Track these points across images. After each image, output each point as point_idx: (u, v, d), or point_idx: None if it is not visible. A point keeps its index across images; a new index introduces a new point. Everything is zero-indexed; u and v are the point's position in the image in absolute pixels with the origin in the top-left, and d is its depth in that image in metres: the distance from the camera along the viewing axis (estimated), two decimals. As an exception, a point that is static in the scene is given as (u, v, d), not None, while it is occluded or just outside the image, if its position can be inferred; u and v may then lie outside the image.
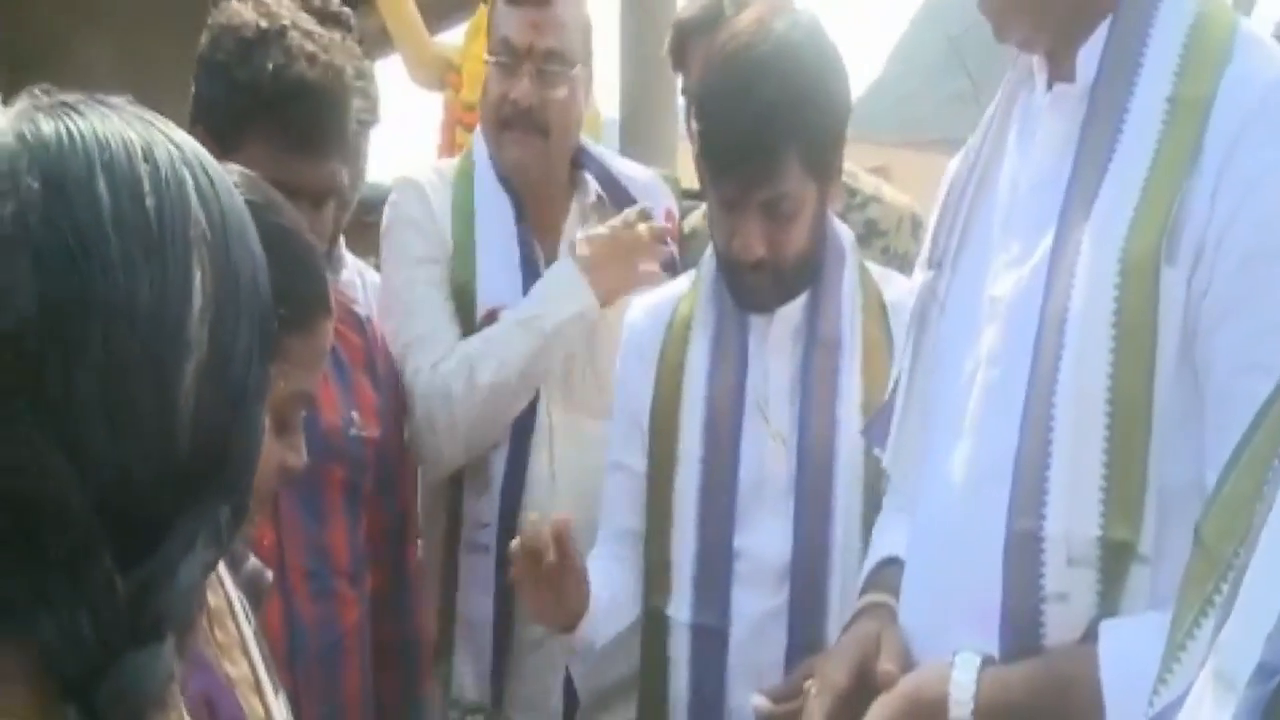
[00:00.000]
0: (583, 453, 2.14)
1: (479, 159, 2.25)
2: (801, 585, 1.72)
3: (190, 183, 0.71)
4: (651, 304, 1.92)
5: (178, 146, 0.73)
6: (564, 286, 2.10)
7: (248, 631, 1.24)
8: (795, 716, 1.37)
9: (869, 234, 2.19)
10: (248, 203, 1.20)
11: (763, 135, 1.67)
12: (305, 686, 1.67)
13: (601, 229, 2.13)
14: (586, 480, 2.11)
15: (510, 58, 2.15)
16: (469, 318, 2.16)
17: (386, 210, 2.25)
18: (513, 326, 2.09)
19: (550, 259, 2.20)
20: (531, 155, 2.17)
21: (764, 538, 1.74)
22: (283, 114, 1.67)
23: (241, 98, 1.67)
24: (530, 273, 2.18)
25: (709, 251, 1.87)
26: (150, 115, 0.74)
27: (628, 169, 2.37)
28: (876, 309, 1.81)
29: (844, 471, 1.73)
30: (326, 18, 2.18)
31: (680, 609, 1.77)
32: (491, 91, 2.19)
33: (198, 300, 0.68)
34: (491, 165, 2.22)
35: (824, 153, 1.73)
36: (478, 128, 2.31)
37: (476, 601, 2.16)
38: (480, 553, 2.16)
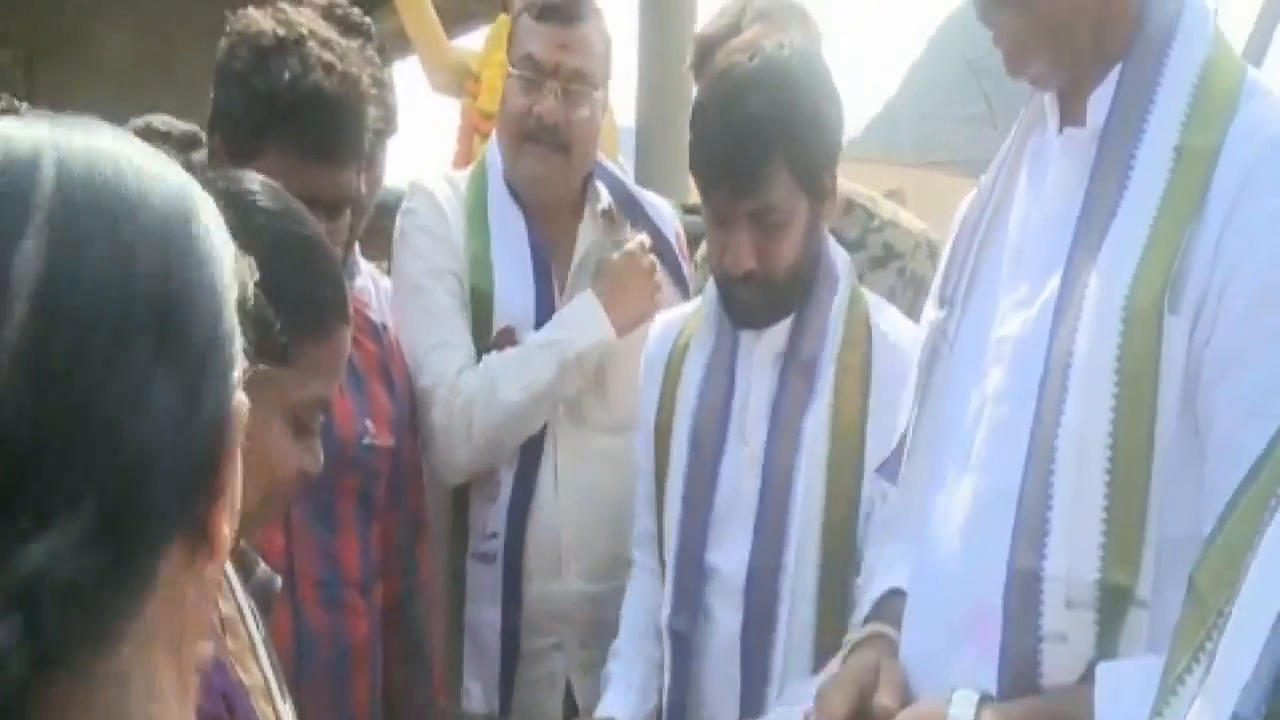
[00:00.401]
0: (586, 465, 2.19)
1: (492, 170, 2.26)
2: (753, 602, 1.77)
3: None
4: (667, 320, 2.01)
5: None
6: (586, 315, 2.13)
7: (259, 638, 1.26)
8: None
9: (886, 255, 2.22)
10: (267, 211, 1.25)
11: (747, 146, 1.72)
12: (313, 697, 1.67)
13: (616, 258, 2.16)
14: (589, 493, 2.18)
15: (535, 74, 2.16)
16: (484, 330, 2.17)
17: (400, 218, 2.26)
18: (537, 350, 2.12)
19: (564, 269, 2.22)
20: (551, 171, 2.19)
21: (734, 554, 1.80)
22: (299, 124, 1.67)
23: (258, 107, 1.68)
24: (544, 286, 2.20)
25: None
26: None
27: (638, 190, 2.40)
28: (861, 335, 1.84)
29: (802, 494, 1.77)
30: (348, 27, 2.18)
31: (666, 614, 1.85)
32: (513, 104, 2.19)
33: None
34: (504, 177, 2.24)
35: (813, 168, 1.77)
36: (492, 137, 2.32)
37: (483, 612, 2.18)
38: (487, 562, 2.18)
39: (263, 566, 1.28)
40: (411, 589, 1.98)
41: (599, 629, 2.11)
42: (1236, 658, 0.72)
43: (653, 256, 2.18)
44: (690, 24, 6.69)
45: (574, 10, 2.18)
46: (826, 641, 1.72)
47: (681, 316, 1.99)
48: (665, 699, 1.84)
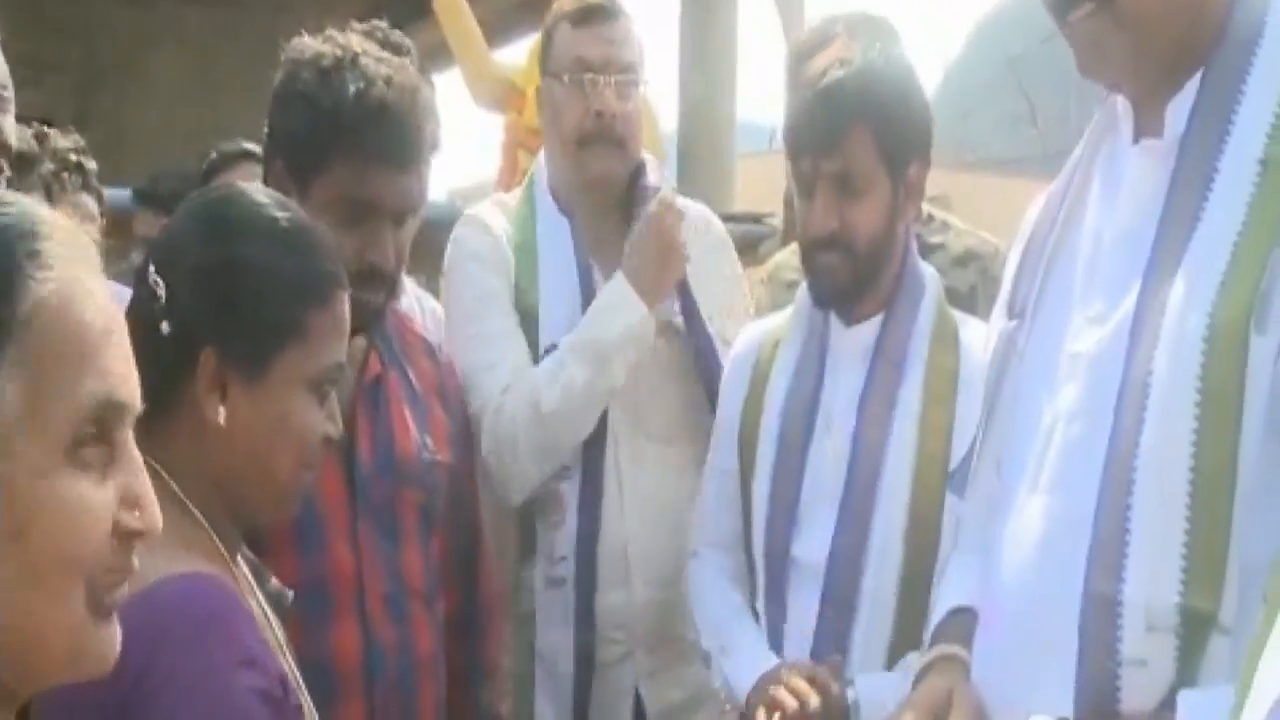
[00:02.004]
0: (648, 475, 2.22)
1: (539, 187, 2.29)
2: (833, 586, 1.82)
3: None
4: (754, 330, 2.09)
5: None
6: (614, 302, 2.15)
7: (281, 638, 1.33)
8: None
9: (968, 256, 2.36)
10: (258, 205, 1.38)
11: (829, 107, 1.81)
12: (383, 711, 1.69)
13: (638, 228, 2.18)
14: (650, 501, 2.21)
15: (588, 73, 2.21)
16: (533, 348, 2.19)
17: (450, 247, 2.30)
18: (568, 354, 2.13)
19: (609, 268, 2.22)
20: (615, 167, 2.24)
21: (816, 544, 1.84)
22: (365, 134, 1.71)
23: (324, 123, 1.71)
24: (590, 300, 2.21)
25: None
26: None
27: (694, 208, 2.41)
28: (950, 341, 1.90)
29: (889, 484, 1.82)
30: (389, 46, 2.23)
31: (760, 603, 1.91)
32: (571, 109, 2.22)
33: None
34: (550, 193, 2.27)
35: (896, 145, 1.84)
36: (539, 155, 2.34)
37: (556, 636, 2.19)
38: (558, 586, 2.20)
39: (274, 581, 1.36)
40: (471, 601, 2.00)
41: (665, 635, 2.15)
42: (1267, 677, 0.71)
43: (677, 208, 2.19)
44: (732, 35, 6.70)
45: (612, 8, 2.25)
46: (904, 632, 1.76)
47: (771, 324, 2.06)
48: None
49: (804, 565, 1.86)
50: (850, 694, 1.73)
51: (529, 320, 2.21)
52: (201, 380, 1.31)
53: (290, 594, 1.37)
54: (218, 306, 1.32)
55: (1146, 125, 1.26)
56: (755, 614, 1.94)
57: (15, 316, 0.80)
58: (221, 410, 1.30)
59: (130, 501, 0.85)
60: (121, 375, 0.85)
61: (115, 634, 0.87)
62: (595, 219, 2.26)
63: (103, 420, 0.83)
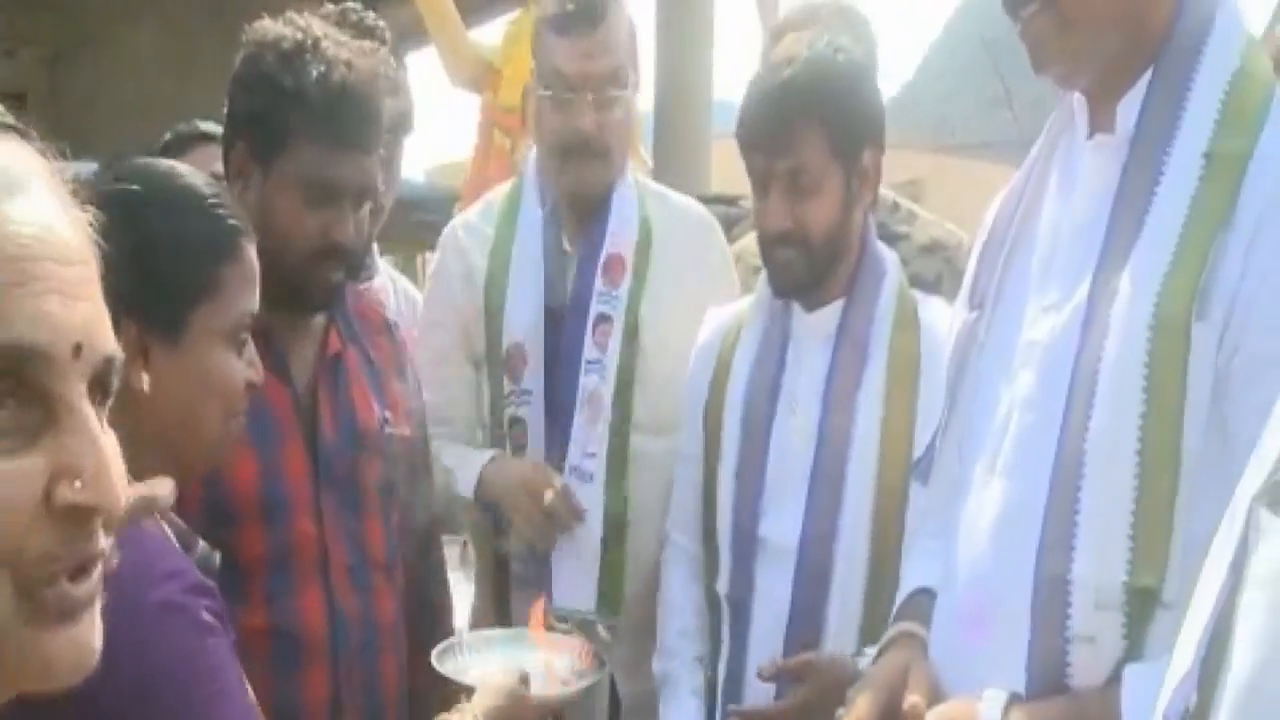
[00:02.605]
0: (636, 465, 2.24)
1: (526, 182, 2.32)
2: (805, 566, 1.85)
3: None
4: (720, 314, 2.11)
5: None
6: (472, 467, 2.24)
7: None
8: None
9: (934, 246, 2.39)
10: (158, 174, 1.42)
11: (782, 106, 1.85)
12: (347, 678, 1.73)
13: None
14: (640, 491, 2.23)
15: (567, 91, 2.17)
16: (496, 344, 2.25)
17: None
18: (439, 467, 2.20)
19: (589, 267, 2.25)
20: (594, 179, 2.24)
21: (785, 523, 1.88)
22: (327, 117, 1.74)
23: (286, 105, 1.74)
24: (554, 298, 2.25)
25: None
26: None
27: (675, 197, 2.45)
28: (911, 322, 1.93)
29: (857, 463, 1.86)
30: (361, 30, 2.25)
31: (723, 584, 1.95)
32: (549, 123, 2.22)
33: None
34: (537, 191, 2.29)
35: (847, 138, 1.87)
36: (531, 153, 2.36)
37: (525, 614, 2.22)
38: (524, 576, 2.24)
39: (203, 544, 1.36)
40: (427, 571, 2.05)
41: (646, 628, 2.16)
42: (1180, 654, 0.75)
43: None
44: (709, 14, 6.69)
45: (592, 15, 2.16)
46: (875, 610, 1.79)
47: (734, 310, 2.09)
48: (724, 667, 1.93)
49: (772, 546, 1.89)
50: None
51: (494, 316, 2.25)
52: (124, 349, 1.31)
53: (217, 556, 1.38)
54: (131, 279, 1.32)
55: (1100, 121, 1.30)
56: (718, 603, 1.97)
57: None
58: (145, 377, 1.32)
59: (68, 470, 0.68)
60: (44, 314, 0.68)
61: (78, 634, 0.70)
62: (574, 214, 2.28)
63: (12, 373, 0.66)
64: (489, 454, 2.24)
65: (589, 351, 2.21)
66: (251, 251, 1.45)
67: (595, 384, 2.20)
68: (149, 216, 1.38)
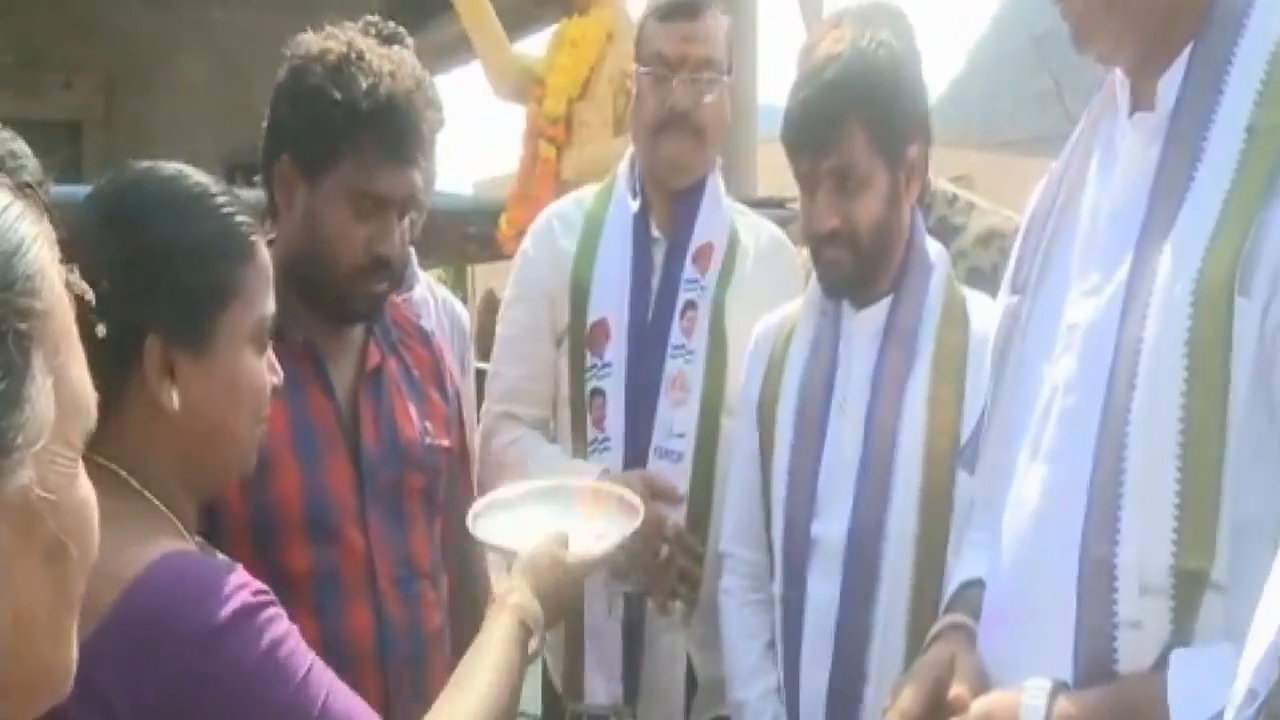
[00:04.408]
0: (722, 447, 2.27)
1: (624, 168, 2.40)
2: (854, 563, 1.85)
3: None
4: (770, 318, 2.14)
5: None
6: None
7: None
8: None
9: (990, 235, 2.39)
10: (164, 178, 1.38)
11: (825, 106, 1.87)
12: (396, 690, 1.74)
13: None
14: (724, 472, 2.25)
15: (664, 69, 2.31)
16: (580, 319, 2.30)
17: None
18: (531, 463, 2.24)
19: (679, 254, 2.32)
20: (686, 154, 2.32)
21: (834, 522, 1.88)
22: (376, 128, 1.75)
23: (337, 117, 1.74)
24: (641, 277, 2.31)
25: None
26: None
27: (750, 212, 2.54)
28: (958, 317, 1.93)
29: (904, 459, 1.86)
30: (385, 39, 2.28)
31: (777, 585, 1.96)
32: (646, 101, 2.34)
33: None
34: (629, 183, 2.36)
35: (890, 135, 1.88)
36: (628, 150, 2.43)
37: (603, 606, 2.24)
38: None
39: (221, 557, 1.36)
40: (468, 579, 2.05)
41: (714, 599, 2.17)
42: (1258, 633, 0.74)
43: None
44: (751, 16, 6.68)
45: (694, 6, 2.34)
46: (922, 606, 1.80)
47: (785, 312, 2.11)
48: (781, 667, 1.94)
49: (823, 544, 1.89)
50: None
51: (580, 292, 2.31)
52: (150, 369, 1.30)
53: (239, 567, 1.37)
54: (150, 292, 1.31)
55: (1142, 99, 1.28)
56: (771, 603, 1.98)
57: (37, 311, 0.69)
58: (174, 394, 1.30)
59: None
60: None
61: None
62: (665, 203, 2.36)
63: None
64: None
65: (675, 337, 2.26)
66: (265, 250, 1.42)
67: (680, 367, 2.26)
68: (162, 224, 1.35)
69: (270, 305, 1.41)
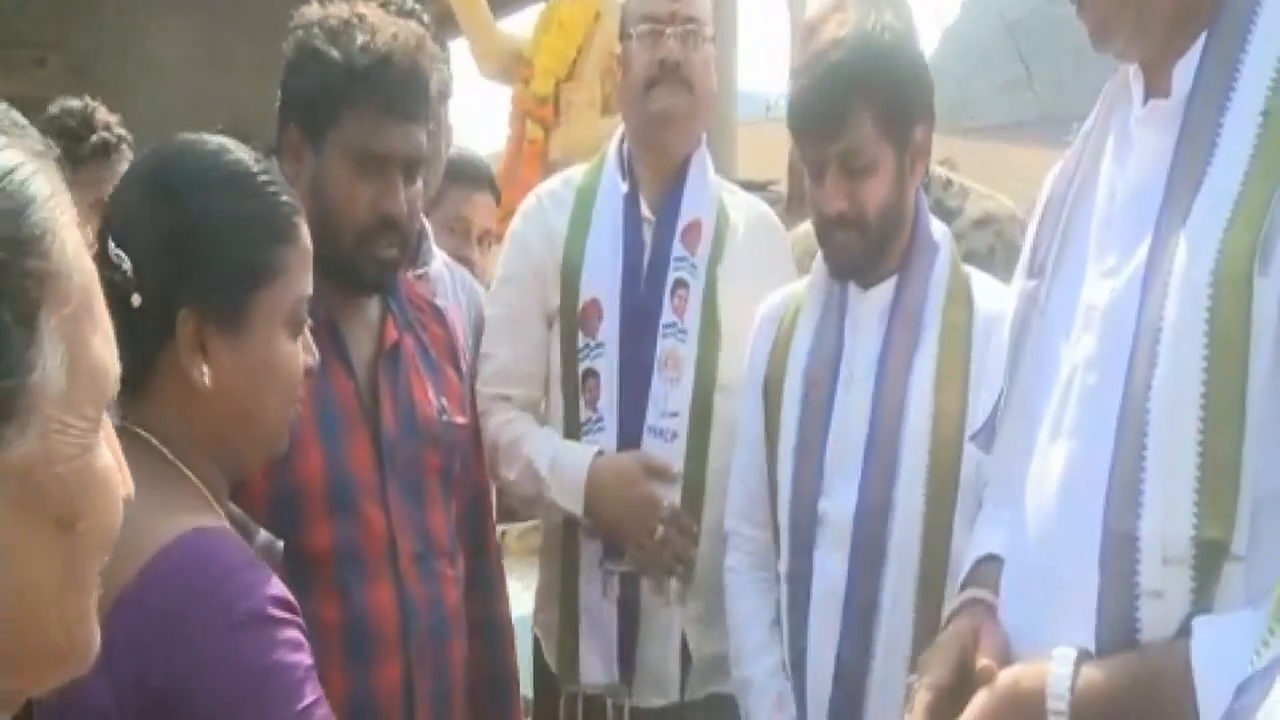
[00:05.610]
0: (715, 425, 2.29)
1: (612, 148, 2.40)
2: (861, 541, 1.88)
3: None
4: (776, 297, 2.16)
5: None
6: (572, 483, 2.24)
7: None
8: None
9: (985, 219, 2.43)
10: (208, 152, 1.36)
11: (831, 91, 1.88)
12: (419, 663, 1.76)
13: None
14: (717, 451, 2.27)
15: (655, 24, 2.31)
16: (572, 300, 2.30)
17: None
18: (528, 466, 2.25)
19: (666, 232, 2.32)
20: (679, 107, 2.32)
21: (842, 498, 1.91)
22: (374, 83, 1.75)
23: (336, 76, 1.75)
24: (632, 258, 2.31)
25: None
26: None
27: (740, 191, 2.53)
28: (963, 297, 1.96)
29: (910, 437, 1.88)
30: (402, 14, 2.28)
31: (783, 564, 1.98)
32: (638, 59, 2.34)
33: None
34: (618, 162, 2.36)
35: (896, 117, 1.90)
36: (618, 130, 2.43)
37: (597, 586, 2.26)
38: (599, 537, 2.27)
39: (263, 533, 1.35)
40: (482, 557, 2.08)
41: (709, 576, 2.20)
42: None
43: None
44: (732, 7, 6.69)
45: None
46: (929, 583, 1.83)
47: (792, 291, 2.13)
48: (786, 645, 1.95)
49: (830, 521, 1.92)
50: None
51: (571, 273, 2.30)
52: (182, 343, 1.30)
53: (280, 544, 1.37)
54: (188, 266, 1.31)
55: (1156, 87, 1.30)
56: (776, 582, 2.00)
57: (45, 272, 0.64)
58: (206, 370, 1.29)
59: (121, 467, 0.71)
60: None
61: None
62: (654, 182, 2.35)
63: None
64: (584, 465, 2.25)
65: (667, 316, 2.27)
66: (306, 231, 1.41)
67: (673, 346, 2.26)
68: (204, 199, 1.32)
69: (308, 288, 1.40)
